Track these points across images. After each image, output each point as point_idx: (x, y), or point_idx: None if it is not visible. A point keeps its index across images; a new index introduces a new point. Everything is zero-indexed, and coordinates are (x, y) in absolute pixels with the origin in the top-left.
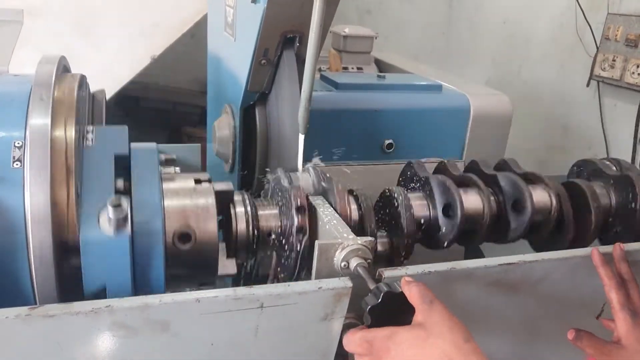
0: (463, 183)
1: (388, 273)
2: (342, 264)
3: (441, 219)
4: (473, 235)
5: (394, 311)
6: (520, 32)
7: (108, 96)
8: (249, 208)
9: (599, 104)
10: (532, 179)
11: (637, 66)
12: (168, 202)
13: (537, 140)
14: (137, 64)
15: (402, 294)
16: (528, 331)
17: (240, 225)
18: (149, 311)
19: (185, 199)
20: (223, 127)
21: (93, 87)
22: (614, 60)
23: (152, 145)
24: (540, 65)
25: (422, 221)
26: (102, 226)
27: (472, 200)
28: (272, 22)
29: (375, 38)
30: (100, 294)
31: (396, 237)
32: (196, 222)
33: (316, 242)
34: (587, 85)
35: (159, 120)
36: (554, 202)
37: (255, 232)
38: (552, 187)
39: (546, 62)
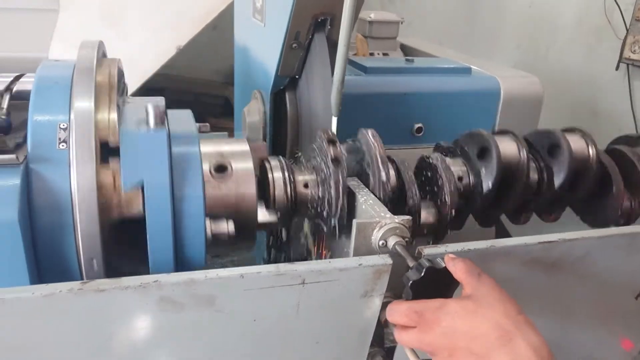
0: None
1: (428, 251)
2: (380, 243)
3: (479, 164)
4: (514, 187)
5: (434, 287)
6: (546, 16)
7: (134, 88)
8: (286, 173)
9: (629, 88)
10: (566, 130)
11: None
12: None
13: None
14: (163, 54)
15: (444, 270)
16: (565, 311)
17: (278, 190)
18: (195, 286)
19: (219, 140)
20: (253, 113)
21: None
22: None
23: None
24: (567, 49)
25: (461, 175)
26: (142, 124)
27: (506, 144)
28: (304, 4)
29: (401, 23)
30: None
31: (439, 201)
32: (232, 156)
33: (354, 221)
34: (617, 68)
35: None
36: (592, 149)
37: (293, 195)
38: (589, 137)
39: (573, 46)
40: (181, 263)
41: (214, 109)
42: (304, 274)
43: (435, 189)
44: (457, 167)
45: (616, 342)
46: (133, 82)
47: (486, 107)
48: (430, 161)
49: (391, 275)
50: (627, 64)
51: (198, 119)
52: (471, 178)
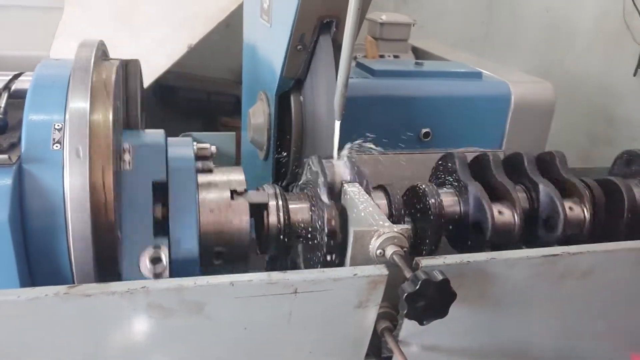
0: (499, 193)
1: (425, 262)
2: (378, 252)
3: (471, 235)
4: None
5: (431, 300)
6: (563, 21)
7: (146, 85)
8: (280, 202)
9: None
10: (570, 189)
11: None
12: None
13: (581, 132)
14: (175, 52)
15: (441, 283)
16: (572, 326)
17: (272, 218)
18: (184, 293)
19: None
20: (258, 115)
21: None
22: None
23: (189, 155)
24: (584, 55)
25: (450, 226)
26: (143, 270)
27: (505, 218)
28: (309, 6)
29: (413, 25)
30: None
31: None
32: (230, 240)
33: (351, 229)
34: (634, 74)
35: (194, 109)
36: (587, 219)
37: (286, 227)
38: (589, 201)
39: (590, 51)
40: None
41: (226, 107)
42: (297, 283)
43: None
44: (449, 208)
45: (626, 358)
46: (145, 80)
47: (496, 113)
48: (422, 194)
49: (389, 285)
50: None
51: (210, 117)
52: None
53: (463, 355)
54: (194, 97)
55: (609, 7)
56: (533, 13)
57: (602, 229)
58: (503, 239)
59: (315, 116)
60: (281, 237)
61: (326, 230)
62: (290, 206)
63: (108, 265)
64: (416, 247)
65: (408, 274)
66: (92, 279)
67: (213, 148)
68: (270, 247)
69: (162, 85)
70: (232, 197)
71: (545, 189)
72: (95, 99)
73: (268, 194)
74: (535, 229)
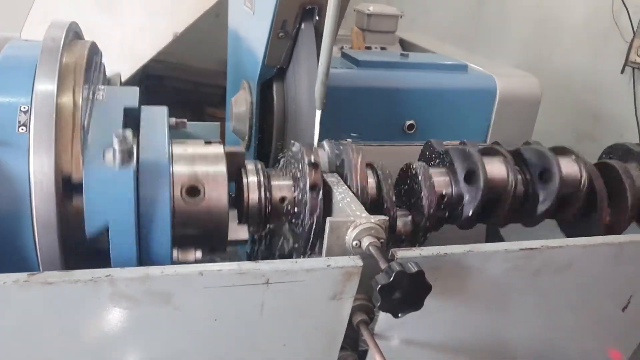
0: (485, 153)
1: (401, 253)
2: (354, 243)
3: (463, 187)
4: (498, 208)
5: (405, 293)
6: (552, 16)
7: (130, 73)
8: (261, 177)
9: (633, 92)
10: (560, 151)
11: None
12: (177, 150)
13: (567, 129)
14: (159, 41)
15: (415, 275)
16: (550, 321)
17: (252, 194)
18: (151, 282)
19: (195, 152)
20: (240, 104)
21: (115, 63)
22: None
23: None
24: (572, 51)
25: (444, 192)
26: (107, 161)
27: (495, 167)
28: None
29: (401, 17)
30: (101, 236)
31: (418, 213)
32: (206, 178)
33: (328, 219)
34: (622, 72)
35: (181, 99)
36: (584, 174)
37: (268, 202)
38: (582, 160)
39: (579, 48)
40: None
41: (214, 97)
42: (268, 274)
43: (414, 200)
44: (440, 180)
45: (604, 353)
46: (128, 67)
47: (481, 106)
48: (413, 171)
49: (365, 277)
50: (633, 68)
51: (196, 107)
52: (454, 195)
53: (440, 348)
54: (180, 87)
55: (598, 5)
56: (522, 8)
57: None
58: (497, 195)
59: (297, 105)
60: (263, 209)
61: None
62: (271, 175)
63: (76, 253)
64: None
65: (383, 265)
66: (59, 267)
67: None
68: (251, 219)
69: (149, 74)
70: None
71: (533, 147)
72: (64, 81)
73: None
74: (533, 186)
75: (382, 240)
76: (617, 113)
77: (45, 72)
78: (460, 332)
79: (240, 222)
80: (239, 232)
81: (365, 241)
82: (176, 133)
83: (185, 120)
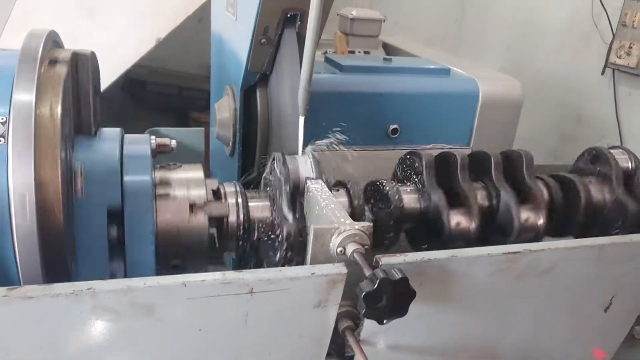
0: (461, 199)
1: (385, 260)
2: (339, 250)
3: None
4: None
5: (390, 299)
6: (534, 19)
7: (113, 79)
8: (240, 199)
9: (614, 93)
10: (530, 194)
11: None
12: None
13: (550, 130)
14: (142, 46)
15: (400, 281)
16: (533, 323)
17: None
18: (133, 294)
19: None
20: (223, 109)
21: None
22: (630, 47)
23: (146, 167)
24: (554, 53)
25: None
26: None
27: (461, 227)
28: None
29: (384, 21)
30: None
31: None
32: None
33: (311, 226)
34: (602, 73)
35: (165, 104)
36: (542, 227)
37: (246, 223)
38: (545, 207)
39: (560, 50)
40: None
41: (198, 102)
42: (252, 283)
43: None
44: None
45: (588, 352)
46: (111, 73)
47: (464, 109)
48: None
49: (350, 283)
50: (613, 69)
51: (181, 112)
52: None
53: (426, 353)
54: (164, 92)
55: (578, 8)
56: (504, 12)
57: (558, 227)
58: (460, 244)
59: (281, 111)
60: (240, 242)
61: (285, 245)
62: (250, 215)
63: (58, 266)
64: (377, 240)
65: (368, 272)
66: (40, 279)
67: (173, 143)
68: (229, 247)
69: (132, 79)
70: (191, 210)
71: (505, 196)
72: (43, 91)
73: (229, 205)
74: (492, 234)
75: (366, 246)
76: (598, 114)
77: (24, 82)
78: (446, 336)
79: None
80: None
81: (350, 248)
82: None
83: (167, 142)
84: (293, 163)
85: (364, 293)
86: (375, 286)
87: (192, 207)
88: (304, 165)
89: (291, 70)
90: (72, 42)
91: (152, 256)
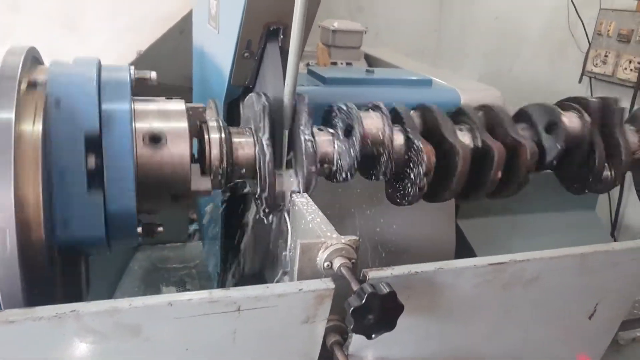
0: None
1: (373, 274)
2: (326, 264)
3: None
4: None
5: (378, 314)
6: (512, 29)
7: None
8: (223, 134)
9: None
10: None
11: (630, 62)
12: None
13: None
14: (123, 59)
15: (387, 296)
16: (519, 332)
17: (214, 150)
18: (119, 315)
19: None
20: None
21: None
22: (606, 56)
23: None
24: (532, 62)
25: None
26: None
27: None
28: (255, 12)
29: (365, 33)
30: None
31: None
32: (167, 128)
33: (298, 241)
34: (579, 81)
35: None
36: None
37: (229, 158)
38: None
39: (538, 59)
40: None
41: None
42: (240, 301)
43: None
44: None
45: (572, 358)
46: None
47: None
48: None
49: (338, 298)
50: (590, 77)
51: None
52: None
53: None
54: None
55: (554, 17)
56: (482, 22)
57: None
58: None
59: None
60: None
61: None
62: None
63: (41, 288)
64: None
65: (355, 286)
66: (20, 303)
67: (153, 75)
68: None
69: None
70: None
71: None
72: (24, 109)
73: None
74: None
75: (353, 260)
76: None
77: (3, 100)
78: (434, 348)
79: (203, 172)
80: (201, 183)
81: (337, 262)
82: None
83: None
84: (279, 178)
85: (352, 308)
86: (363, 301)
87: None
88: (289, 179)
89: (274, 84)
90: (52, 57)
91: (133, 187)
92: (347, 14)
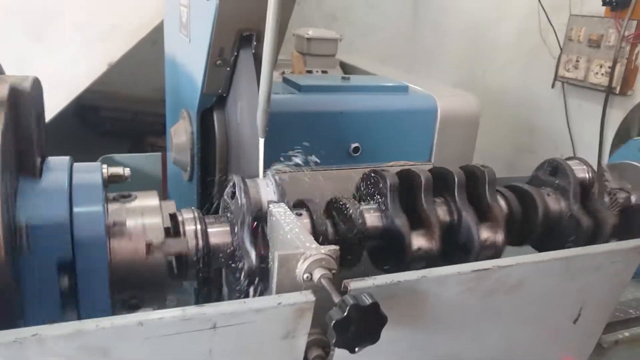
0: (423, 221)
1: (354, 285)
2: (305, 276)
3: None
4: None
5: (360, 326)
6: (484, 36)
7: (64, 105)
8: (199, 225)
9: (564, 105)
10: (491, 213)
11: (600, 66)
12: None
13: (505, 143)
14: (94, 70)
15: (370, 307)
16: (504, 338)
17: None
18: (85, 338)
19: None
20: (180, 134)
21: (47, 95)
22: (577, 61)
23: (98, 210)
24: (505, 68)
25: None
26: None
27: (423, 250)
28: (227, 19)
29: (340, 40)
30: None
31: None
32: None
33: (276, 253)
34: (552, 86)
35: (120, 130)
36: (501, 244)
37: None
38: (503, 227)
39: (511, 65)
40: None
41: (154, 126)
42: (215, 317)
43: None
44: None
45: None
46: (62, 99)
47: (423, 126)
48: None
49: (319, 309)
50: (562, 82)
51: (137, 137)
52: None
53: None
54: (119, 117)
55: (526, 23)
56: (456, 29)
57: (517, 237)
58: (422, 264)
59: (240, 134)
60: (200, 271)
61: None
62: (210, 243)
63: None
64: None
65: (336, 298)
66: None
67: (127, 171)
68: (189, 276)
69: (84, 105)
70: (147, 251)
71: (466, 217)
72: None
73: (188, 242)
74: (454, 251)
75: (333, 271)
76: (551, 125)
77: None
78: (418, 358)
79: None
80: None
81: (317, 273)
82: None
83: (123, 172)
84: (254, 187)
85: (333, 321)
86: (345, 313)
87: (149, 246)
88: (265, 188)
89: (249, 91)
90: (19, 69)
91: (108, 302)
92: (321, 22)
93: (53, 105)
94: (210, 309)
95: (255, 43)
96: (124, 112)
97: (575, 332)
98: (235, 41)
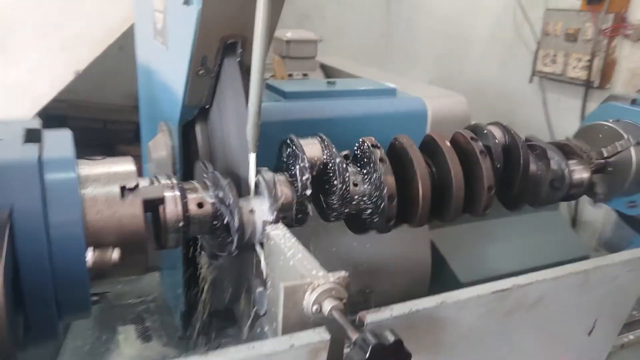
0: None
1: (371, 317)
2: (314, 308)
3: None
4: None
5: None
6: (460, 32)
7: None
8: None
9: (543, 100)
10: None
11: (578, 60)
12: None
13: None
14: (60, 79)
15: (394, 345)
16: (520, 354)
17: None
18: None
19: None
20: (160, 148)
21: (11, 106)
22: (555, 55)
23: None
24: (482, 64)
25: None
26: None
27: None
28: (209, 25)
29: (320, 42)
30: None
31: None
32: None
33: (281, 284)
34: (530, 81)
35: (89, 139)
36: None
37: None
38: None
39: (488, 60)
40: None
41: (125, 134)
42: None
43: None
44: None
45: None
46: (27, 110)
47: (414, 130)
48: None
49: (333, 342)
50: (540, 77)
51: (107, 146)
52: None
53: None
54: (88, 126)
55: (501, 19)
56: (429, 24)
57: None
58: None
59: (226, 147)
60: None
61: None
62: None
63: None
64: None
65: (353, 334)
66: None
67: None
68: (169, 241)
69: (50, 115)
70: (122, 195)
71: None
72: None
73: (162, 189)
74: None
75: (344, 300)
76: (530, 120)
77: None
78: None
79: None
80: None
81: (327, 305)
82: None
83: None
84: (246, 207)
85: None
86: (367, 355)
87: (123, 190)
88: (259, 207)
89: (235, 102)
90: None
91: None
92: (293, 22)
93: (19, 115)
94: (216, 357)
95: (240, 50)
96: (93, 121)
97: (589, 344)
98: (218, 49)
